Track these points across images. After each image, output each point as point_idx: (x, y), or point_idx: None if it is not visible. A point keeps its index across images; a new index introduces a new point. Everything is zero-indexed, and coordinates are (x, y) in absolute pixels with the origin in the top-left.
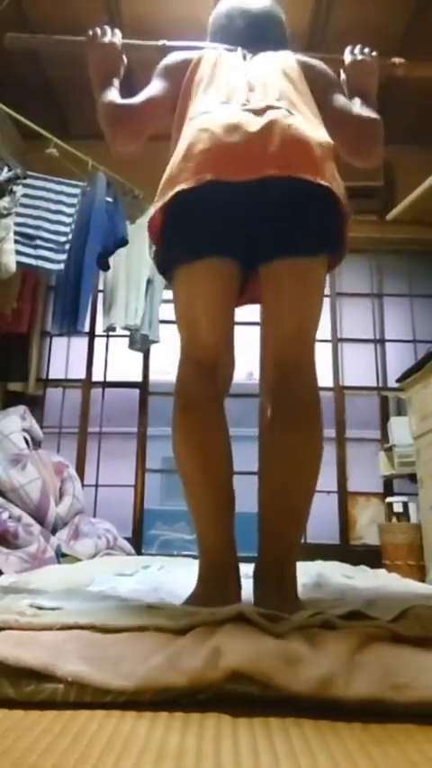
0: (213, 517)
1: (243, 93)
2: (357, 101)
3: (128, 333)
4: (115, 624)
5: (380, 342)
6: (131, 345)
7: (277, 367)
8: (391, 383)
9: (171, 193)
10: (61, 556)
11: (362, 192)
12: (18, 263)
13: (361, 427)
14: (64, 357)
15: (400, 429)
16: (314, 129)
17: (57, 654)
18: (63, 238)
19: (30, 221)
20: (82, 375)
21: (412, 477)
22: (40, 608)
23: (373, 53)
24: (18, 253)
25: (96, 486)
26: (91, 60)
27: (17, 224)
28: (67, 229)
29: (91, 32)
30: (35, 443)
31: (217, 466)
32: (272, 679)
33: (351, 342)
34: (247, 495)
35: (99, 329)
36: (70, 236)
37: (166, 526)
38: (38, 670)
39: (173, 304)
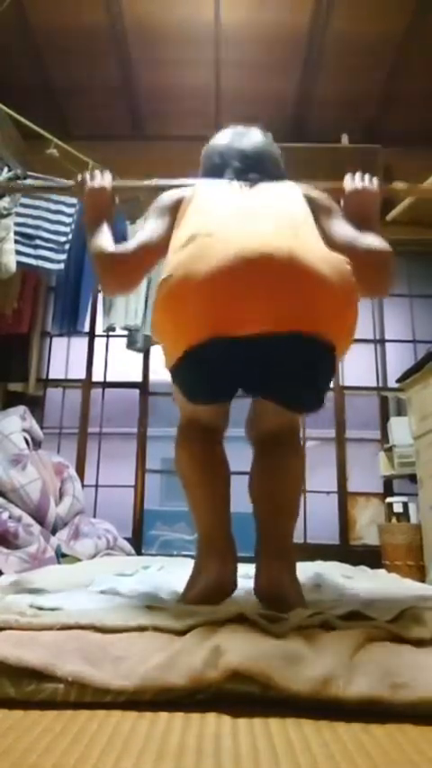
0: (211, 505)
1: (242, 221)
2: (366, 234)
3: (127, 333)
4: (115, 624)
5: (380, 342)
6: (130, 346)
7: (260, 440)
8: (391, 383)
9: (181, 353)
10: (61, 556)
11: None
12: (18, 263)
13: (361, 427)
14: (64, 357)
15: (400, 429)
16: (324, 253)
17: (57, 654)
18: (63, 238)
19: (30, 221)
20: (82, 375)
21: (412, 478)
22: (41, 608)
23: (374, 179)
24: (18, 253)
25: (96, 486)
26: (82, 201)
27: (17, 224)
28: (67, 229)
29: (79, 178)
30: (35, 444)
31: (217, 484)
32: (272, 679)
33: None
34: (245, 495)
35: (99, 329)
36: (70, 237)
37: (166, 526)
38: (38, 670)
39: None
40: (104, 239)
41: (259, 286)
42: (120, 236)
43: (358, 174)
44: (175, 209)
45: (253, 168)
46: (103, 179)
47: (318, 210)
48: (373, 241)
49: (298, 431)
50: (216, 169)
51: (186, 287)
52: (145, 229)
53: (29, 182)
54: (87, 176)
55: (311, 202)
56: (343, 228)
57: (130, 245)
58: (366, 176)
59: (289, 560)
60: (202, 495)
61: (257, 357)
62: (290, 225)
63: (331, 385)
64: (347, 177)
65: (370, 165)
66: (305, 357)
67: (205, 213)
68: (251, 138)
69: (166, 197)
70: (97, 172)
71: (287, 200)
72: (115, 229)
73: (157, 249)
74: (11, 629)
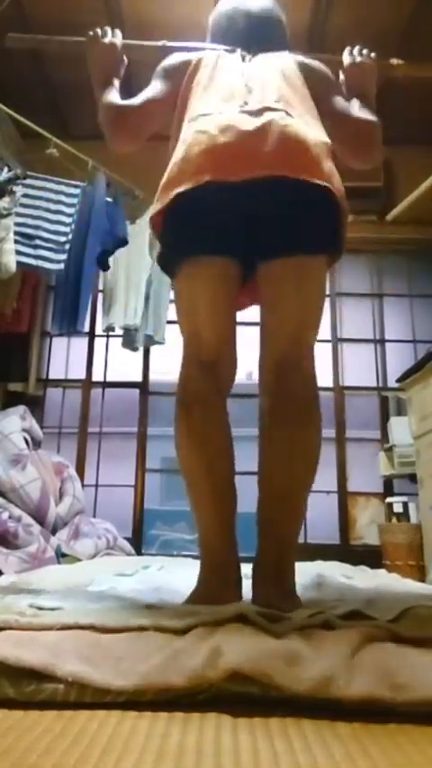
0: (215, 516)
1: (241, 95)
2: (356, 103)
3: (122, 331)
4: (115, 624)
5: (380, 342)
6: (125, 345)
7: (276, 366)
8: (391, 383)
9: (171, 195)
10: (61, 556)
11: (362, 192)
12: (18, 263)
13: (361, 427)
14: (64, 357)
15: (400, 429)
16: (311, 130)
17: (57, 654)
18: (63, 238)
19: (30, 221)
20: (82, 375)
21: (412, 478)
22: (41, 608)
23: (372, 54)
24: (18, 253)
25: (96, 486)
26: (91, 60)
27: (17, 224)
28: (67, 229)
29: (91, 33)
30: (35, 443)
31: (219, 464)
32: (272, 679)
33: (351, 342)
34: (246, 495)
35: (99, 329)
36: (70, 236)
37: (167, 526)
38: (38, 670)
39: (174, 304)
40: (113, 94)
41: (252, 148)
42: (120, 237)
43: (357, 48)
44: (180, 72)
45: (257, 31)
46: (113, 36)
47: (313, 78)
48: (363, 113)
49: (313, 372)
50: (224, 31)
51: (190, 154)
52: (151, 87)
53: (31, 182)
54: (99, 31)
55: (310, 72)
56: (337, 98)
57: (138, 99)
58: (365, 50)
59: (285, 581)
60: (205, 496)
61: (254, 202)
62: (285, 102)
63: (327, 295)
64: (346, 51)
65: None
66: (296, 193)
67: (208, 87)
68: (258, 1)
69: (173, 59)
70: (108, 28)
71: (283, 73)
72: (115, 230)
73: (162, 105)
74: (11, 629)
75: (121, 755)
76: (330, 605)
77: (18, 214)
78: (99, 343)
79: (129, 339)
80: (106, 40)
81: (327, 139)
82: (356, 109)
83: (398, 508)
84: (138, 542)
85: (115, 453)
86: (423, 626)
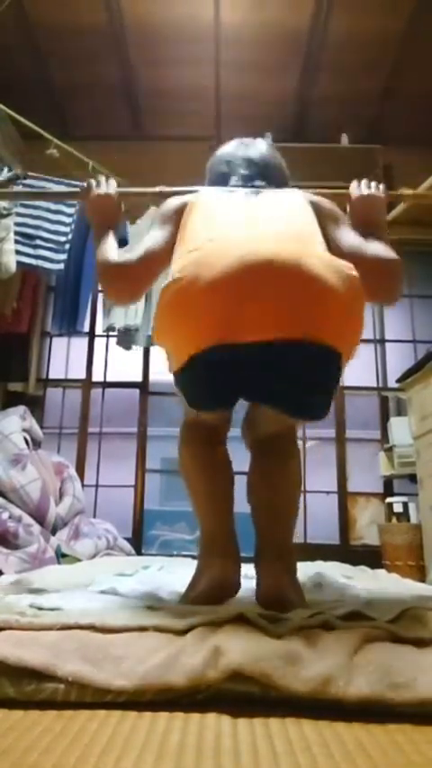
0: (214, 506)
1: (250, 227)
2: (373, 241)
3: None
4: (115, 624)
5: (380, 342)
6: (119, 343)
7: (256, 441)
8: (391, 383)
9: (186, 358)
10: (61, 556)
11: None
12: (18, 262)
13: (361, 427)
14: (64, 357)
15: (400, 429)
16: (330, 261)
17: (57, 654)
18: (63, 238)
19: (30, 221)
20: (82, 375)
21: (412, 478)
22: (41, 608)
23: (381, 186)
24: (18, 253)
25: (96, 486)
26: (88, 211)
27: (17, 224)
28: (67, 229)
29: (86, 184)
30: (35, 444)
31: (220, 479)
32: (272, 679)
33: None
34: (245, 495)
35: (99, 329)
36: (70, 236)
37: (166, 526)
38: (38, 670)
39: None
40: (110, 249)
41: (263, 291)
42: (120, 237)
43: (364, 181)
44: (178, 216)
45: (259, 175)
46: (108, 186)
47: (323, 217)
48: (380, 249)
49: (295, 434)
50: (222, 177)
51: (191, 293)
52: (150, 237)
53: (31, 182)
54: (93, 183)
55: (316, 209)
56: (349, 236)
57: (135, 254)
58: (373, 183)
59: (289, 562)
60: (205, 496)
61: (262, 364)
62: (294, 231)
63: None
64: (353, 184)
65: (370, 164)
66: (310, 364)
67: (210, 219)
68: (256, 147)
69: (171, 204)
70: (102, 179)
71: (292, 208)
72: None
73: (161, 257)
74: (11, 629)
75: (121, 755)
76: (330, 606)
77: (18, 214)
78: (99, 343)
79: (124, 338)
80: (101, 191)
81: (348, 263)
82: (373, 246)
83: (398, 508)
84: (138, 542)
85: (115, 453)
86: (423, 626)
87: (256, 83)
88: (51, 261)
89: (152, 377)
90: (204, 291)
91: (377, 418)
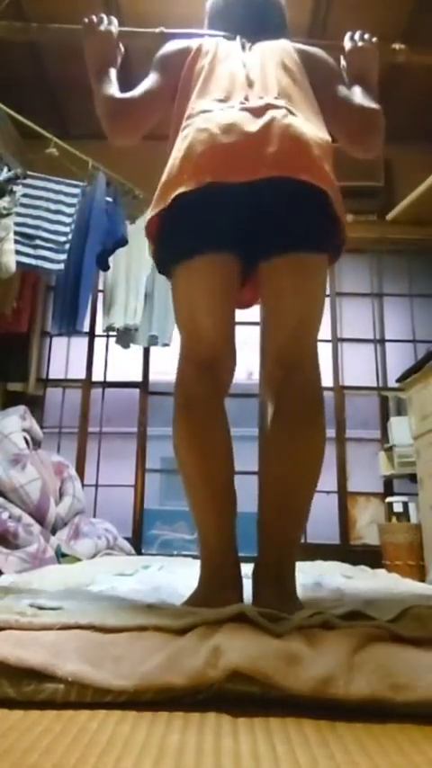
0: (215, 518)
1: (242, 89)
2: (358, 90)
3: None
4: (115, 624)
5: (380, 342)
6: (118, 341)
7: (278, 365)
8: (391, 383)
9: (172, 196)
10: (61, 556)
11: (362, 191)
12: (18, 262)
13: (361, 427)
14: (64, 357)
15: (400, 429)
16: (313, 129)
17: (57, 654)
18: (63, 238)
19: (30, 221)
20: (82, 375)
21: (412, 477)
22: (41, 608)
23: (374, 39)
24: (18, 253)
25: (96, 486)
26: (87, 49)
27: (17, 224)
28: (67, 229)
29: (87, 20)
30: (35, 443)
31: (218, 465)
32: (272, 679)
33: (351, 342)
34: (247, 495)
35: (99, 329)
36: (70, 236)
37: (166, 526)
38: (38, 670)
39: (172, 301)
40: (112, 86)
41: (255, 149)
42: (119, 236)
43: (358, 33)
44: (178, 61)
45: (256, 17)
46: (109, 23)
47: (316, 67)
48: (365, 101)
49: (317, 371)
50: (221, 15)
51: (187, 155)
52: (149, 79)
53: (31, 182)
54: (94, 19)
55: (311, 60)
56: (339, 87)
57: (136, 91)
58: (366, 35)
59: (284, 586)
60: (203, 496)
61: (253, 209)
62: (286, 97)
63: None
64: (347, 36)
65: (370, 164)
66: (300, 197)
67: (207, 80)
68: None
69: (170, 47)
70: (103, 15)
71: (286, 65)
72: (115, 230)
73: (161, 97)
74: (11, 629)
75: (121, 755)
76: (330, 605)
77: (18, 214)
78: (99, 343)
79: (123, 336)
80: (102, 28)
81: (328, 138)
82: (358, 96)
83: (398, 508)
84: (138, 542)
85: (115, 453)
86: (423, 626)
87: None
88: (51, 261)
89: (152, 377)
90: (202, 152)
91: (377, 418)
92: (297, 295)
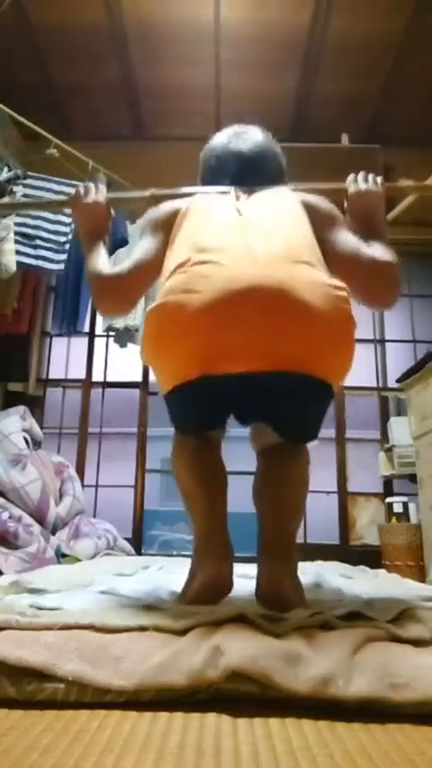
0: (208, 510)
1: (238, 239)
2: (371, 243)
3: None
4: (115, 624)
5: (380, 342)
6: (116, 340)
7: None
8: (391, 383)
9: (168, 389)
10: (61, 556)
11: None
12: (18, 263)
13: (361, 427)
14: (64, 357)
15: (400, 429)
16: (321, 282)
17: (57, 653)
18: (63, 238)
19: (30, 221)
20: (82, 375)
21: (412, 478)
22: (41, 608)
23: (379, 179)
24: (18, 253)
25: (96, 486)
26: (76, 218)
27: (17, 224)
28: (67, 229)
29: (74, 192)
30: (35, 444)
31: (213, 482)
32: (272, 679)
33: None
34: (246, 495)
35: (99, 329)
36: (70, 236)
37: (166, 526)
38: (39, 670)
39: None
40: (100, 261)
41: (249, 321)
42: (120, 237)
43: (361, 175)
44: (169, 224)
45: (251, 171)
46: (97, 193)
47: (319, 219)
48: (377, 252)
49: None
50: (214, 172)
51: (175, 320)
52: (140, 248)
53: (31, 182)
54: (81, 191)
55: (312, 210)
56: (346, 238)
57: (126, 265)
58: (370, 176)
59: (290, 562)
60: (199, 500)
61: (248, 393)
62: (285, 247)
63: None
64: (350, 179)
65: (370, 165)
66: (297, 395)
67: (199, 233)
68: (250, 137)
69: (161, 211)
70: (91, 185)
71: (284, 215)
72: (115, 230)
73: (152, 267)
74: (11, 629)
75: (121, 755)
76: (330, 605)
77: (18, 214)
78: (99, 343)
79: (121, 336)
80: (90, 199)
81: (343, 289)
82: (370, 248)
83: (398, 508)
84: (137, 542)
85: (115, 454)
86: (423, 626)
87: (256, 83)
88: (51, 261)
89: (152, 377)
90: (188, 320)
91: (377, 418)
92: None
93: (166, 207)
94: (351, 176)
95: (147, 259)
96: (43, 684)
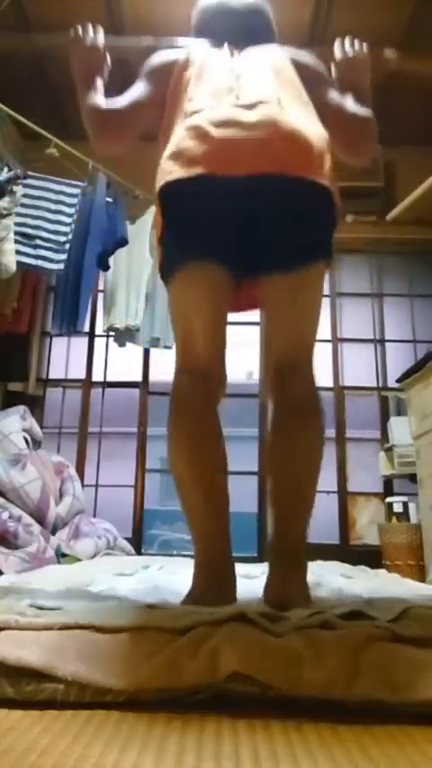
0: (208, 521)
1: (232, 92)
2: (350, 97)
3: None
4: (115, 624)
5: (380, 342)
6: (116, 339)
7: (278, 369)
8: (391, 383)
9: (161, 183)
10: (61, 556)
11: (362, 191)
12: (18, 262)
13: (361, 427)
14: (64, 357)
15: (400, 429)
16: (309, 122)
17: (57, 654)
18: (63, 238)
19: (30, 221)
20: (82, 375)
21: (412, 478)
22: (41, 608)
23: (364, 45)
24: (18, 253)
25: (96, 486)
26: (73, 60)
27: (17, 224)
28: (67, 229)
29: (72, 32)
30: (35, 443)
31: (211, 469)
32: (272, 680)
33: (351, 342)
34: (246, 495)
35: (99, 329)
36: (70, 236)
37: (166, 526)
38: (38, 670)
39: (169, 310)
40: (98, 96)
41: (255, 142)
42: (120, 237)
43: (347, 40)
44: (167, 73)
45: (242, 26)
46: (95, 36)
47: (307, 76)
48: (358, 108)
49: (309, 383)
50: (206, 27)
51: (184, 145)
52: (136, 88)
53: (31, 181)
54: (80, 30)
55: (300, 67)
56: (332, 94)
57: (122, 101)
58: (356, 42)
59: (300, 567)
60: (197, 502)
61: (251, 207)
62: (276, 95)
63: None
64: (337, 44)
65: (370, 164)
66: (297, 195)
67: (198, 85)
68: None
69: (157, 57)
70: (90, 26)
71: (278, 69)
72: (115, 229)
73: (148, 106)
74: (11, 628)
75: (121, 755)
76: (330, 605)
77: (18, 214)
78: (99, 343)
79: (120, 335)
80: (88, 41)
81: (326, 135)
82: (350, 103)
83: (398, 508)
84: (138, 542)
85: (115, 453)
86: (423, 626)
87: None
88: (51, 261)
89: (152, 377)
90: (196, 146)
91: (377, 418)
92: (295, 309)
93: (164, 55)
94: (338, 41)
95: (143, 101)
96: (43, 685)
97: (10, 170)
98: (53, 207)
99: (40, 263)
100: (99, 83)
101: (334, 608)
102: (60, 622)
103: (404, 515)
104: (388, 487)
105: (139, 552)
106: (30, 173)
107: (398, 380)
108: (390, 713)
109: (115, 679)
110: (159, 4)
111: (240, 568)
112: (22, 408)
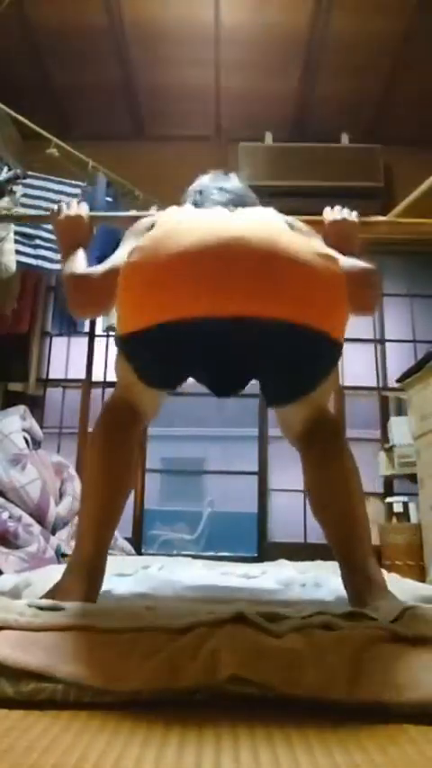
0: (100, 528)
1: (220, 217)
2: (351, 258)
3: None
4: (115, 625)
5: (380, 342)
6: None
7: (306, 430)
8: (391, 383)
9: (146, 326)
10: (61, 556)
11: (362, 192)
12: (18, 262)
13: (361, 427)
14: (64, 357)
15: (400, 429)
16: (312, 249)
17: (56, 655)
18: None
19: None
20: (82, 375)
21: (412, 478)
22: (40, 608)
23: (353, 213)
24: (18, 252)
25: None
26: (56, 230)
27: (17, 224)
28: None
29: (55, 207)
30: (35, 443)
31: (119, 484)
32: (271, 681)
33: (351, 342)
34: (246, 495)
35: (99, 329)
36: None
37: (166, 526)
38: (37, 671)
39: (114, 363)
40: (77, 263)
41: (241, 267)
42: (119, 237)
43: (337, 207)
44: (147, 230)
45: (232, 201)
46: (79, 208)
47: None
48: (356, 261)
49: (335, 421)
50: (198, 202)
51: (162, 257)
52: (117, 254)
53: (31, 182)
54: (63, 206)
55: (293, 227)
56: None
57: (99, 269)
58: (345, 209)
59: (375, 579)
60: (98, 515)
61: (242, 344)
62: (270, 228)
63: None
64: (327, 210)
65: (370, 164)
66: (295, 347)
67: (179, 222)
68: (230, 181)
69: (142, 223)
70: (73, 201)
71: (268, 220)
72: (110, 238)
73: None
74: (10, 628)
75: (121, 755)
76: (331, 605)
77: None
78: (99, 343)
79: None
80: (72, 212)
81: (335, 262)
82: (348, 259)
83: (398, 508)
84: (138, 542)
85: None
86: (424, 626)
87: (257, 83)
88: (51, 261)
89: None
90: (178, 257)
91: (377, 418)
92: (312, 405)
93: (148, 219)
94: (327, 208)
95: (121, 265)
96: (42, 685)
97: (10, 170)
98: (53, 207)
99: (40, 263)
100: (80, 252)
101: (334, 608)
102: (60, 622)
103: (404, 515)
104: (388, 487)
105: (139, 552)
106: (30, 173)
107: (398, 380)
108: (389, 713)
109: (115, 680)
110: (159, 6)
111: (240, 568)
112: (22, 408)
